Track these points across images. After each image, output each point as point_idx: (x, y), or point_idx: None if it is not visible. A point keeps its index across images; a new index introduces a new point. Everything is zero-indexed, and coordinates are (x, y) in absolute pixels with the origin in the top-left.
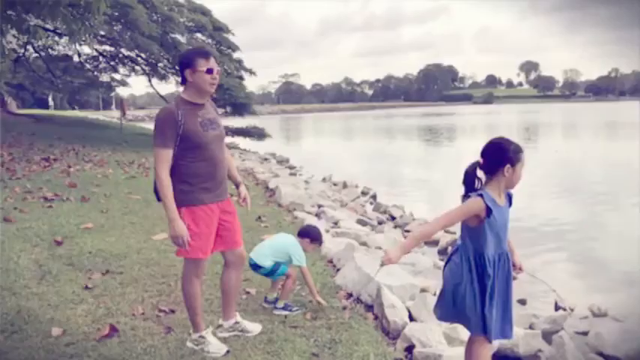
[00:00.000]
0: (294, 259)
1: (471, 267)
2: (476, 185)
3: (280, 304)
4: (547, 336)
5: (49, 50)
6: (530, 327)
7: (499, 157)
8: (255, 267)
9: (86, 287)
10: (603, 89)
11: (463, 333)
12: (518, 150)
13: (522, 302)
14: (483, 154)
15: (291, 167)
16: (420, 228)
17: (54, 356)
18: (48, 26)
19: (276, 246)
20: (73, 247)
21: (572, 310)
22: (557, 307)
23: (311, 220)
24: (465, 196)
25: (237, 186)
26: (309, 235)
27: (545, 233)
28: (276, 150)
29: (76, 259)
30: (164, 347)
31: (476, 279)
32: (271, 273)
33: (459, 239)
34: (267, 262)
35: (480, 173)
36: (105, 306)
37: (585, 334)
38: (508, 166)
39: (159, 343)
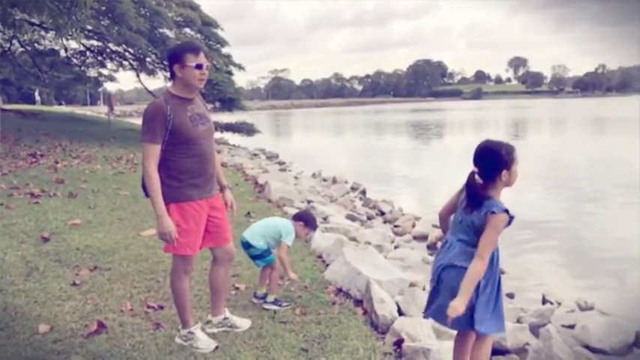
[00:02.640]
0: (282, 234)
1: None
2: (487, 195)
3: (270, 299)
4: (534, 329)
5: (35, 45)
6: (518, 321)
7: (494, 163)
8: (247, 245)
9: (74, 284)
10: (590, 85)
11: None
12: (510, 151)
13: (510, 296)
14: (476, 161)
15: (281, 163)
16: (472, 270)
17: (41, 353)
18: (34, 20)
19: (270, 225)
20: (61, 243)
21: (559, 303)
22: (544, 301)
23: None
24: (471, 208)
25: (223, 190)
26: (303, 219)
27: (533, 228)
28: (266, 145)
29: (63, 256)
30: (153, 343)
31: (485, 278)
32: (259, 256)
33: (459, 242)
34: (259, 242)
35: (477, 180)
36: (93, 302)
37: (572, 327)
38: (505, 171)
39: (147, 339)
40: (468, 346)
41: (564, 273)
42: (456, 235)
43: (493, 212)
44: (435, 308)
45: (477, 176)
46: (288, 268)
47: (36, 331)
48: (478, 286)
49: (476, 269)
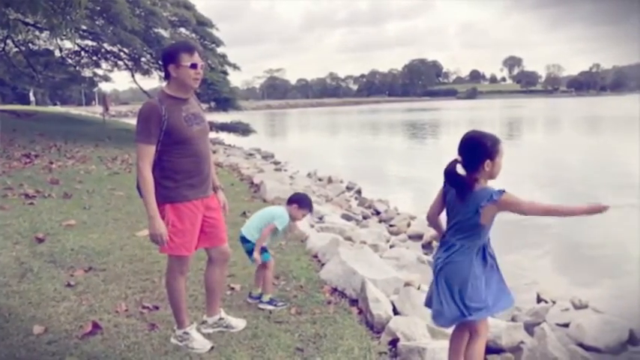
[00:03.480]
0: (275, 218)
1: (478, 259)
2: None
3: (266, 299)
4: (529, 328)
5: (30, 45)
6: (513, 319)
7: (477, 153)
8: (243, 240)
9: (68, 284)
10: (585, 84)
11: None
12: (495, 142)
13: None
14: (461, 150)
15: (276, 162)
16: (561, 210)
17: (35, 355)
18: (28, 20)
19: (264, 215)
20: (55, 244)
21: (553, 302)
22: (539, 300)
23: None
24: (461, 196)
25: (215, 190)
26: (296, 201)
27: (528, 226)
28: (261, 145)
29: (58, 257)
30: (148, 344)
31: (481, 269)
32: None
33: (459, 240)
34: (255, 236)
35: (460, 170)
36: (87, 303)
37: (566, 325)
38: (488, 161)
39: (142, 340)
40: (463, 344)
41: (558, 271)
42: (455, 235)
43: (495, 200)
44: (434, 313)
45: (459, 166)
46: (258, 247)
47: (30, 333)
48: (479, 287)
49: (558, 209)
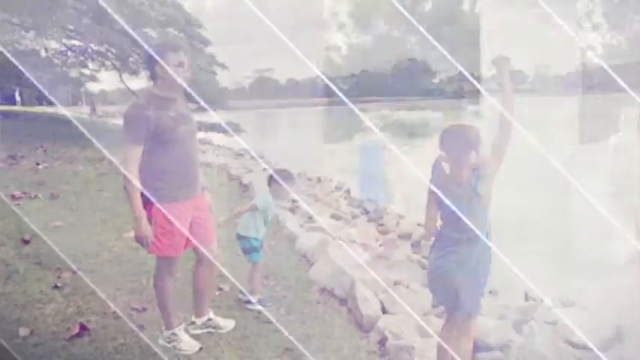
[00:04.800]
0: (254, 200)
1: (479, 251)
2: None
3: (255, 299)
4: (518, 326)
5: (15, 44)
6: (502, 317)
7: (462, 145)
8: (239, 237)
9: (55, 286)
10: (572, 84)
11: (436, 324)
12: (476, 133)
13: (494, 293)
14: (444, 147)
15: (266, 162)
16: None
17: (22, 357)
18: (14, 20)
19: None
20: (42, 245)
21: (542, 300)
22: (527, 298)
23: (285, 216)
24: (455, 192)
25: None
26: (275, 179)
27: (516, 225)
28: (251, 145)
29: (44, 258)
30: (136, 345)
31: (481, 260)
32: (248, 251)
33: (458, 233)
34: (248, 231)
35: (445, 167)
36: (75, 305)
37: (555, 323)
38: (473, 152)
39: (130, 342)
40: (451, 343)
41: (547, 269)
42: (456, 229)
43: (479, 167)
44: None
45: (444, 164)
46: (232, 216)
47: (16, 335)
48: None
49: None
